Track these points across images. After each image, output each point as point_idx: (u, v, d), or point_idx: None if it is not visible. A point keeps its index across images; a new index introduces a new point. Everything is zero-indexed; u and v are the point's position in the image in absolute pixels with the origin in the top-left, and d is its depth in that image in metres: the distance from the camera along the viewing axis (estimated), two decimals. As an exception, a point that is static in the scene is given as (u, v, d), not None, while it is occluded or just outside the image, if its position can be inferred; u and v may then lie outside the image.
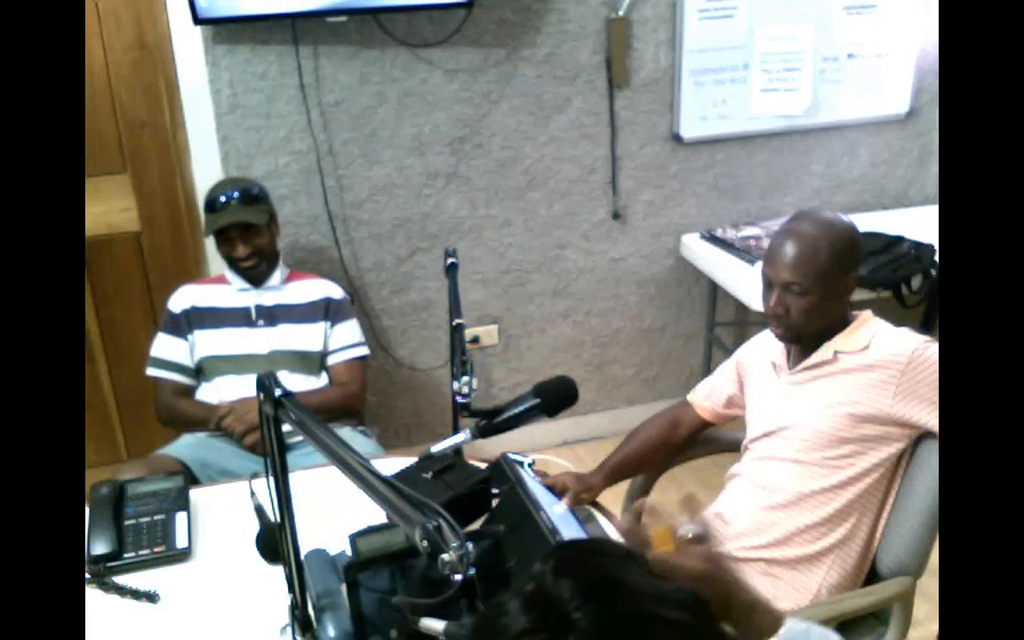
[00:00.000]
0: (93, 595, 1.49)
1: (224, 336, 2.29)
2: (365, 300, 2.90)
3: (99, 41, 2.51)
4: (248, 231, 2.28)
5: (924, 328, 2.66)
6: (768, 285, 1.67)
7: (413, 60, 2.69)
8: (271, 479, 1.15)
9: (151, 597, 1.48)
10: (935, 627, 2.12)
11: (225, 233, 2.28)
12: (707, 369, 3.17)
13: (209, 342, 2.28)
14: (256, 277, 2.33)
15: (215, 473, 2.15)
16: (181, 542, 1.60)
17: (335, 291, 2.40)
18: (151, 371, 2.31)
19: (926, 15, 3.03)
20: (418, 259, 2.91)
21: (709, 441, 1.98)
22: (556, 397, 1.46)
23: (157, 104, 2.62)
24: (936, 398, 1.54)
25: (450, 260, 1.87)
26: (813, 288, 1.60)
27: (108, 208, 2.67)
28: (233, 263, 2.31)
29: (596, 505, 1.74)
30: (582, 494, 1.72)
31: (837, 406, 1.62)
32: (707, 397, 1.93)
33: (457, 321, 1.66)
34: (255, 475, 1.53)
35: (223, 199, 2.28)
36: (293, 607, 1.25)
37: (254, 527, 1.50)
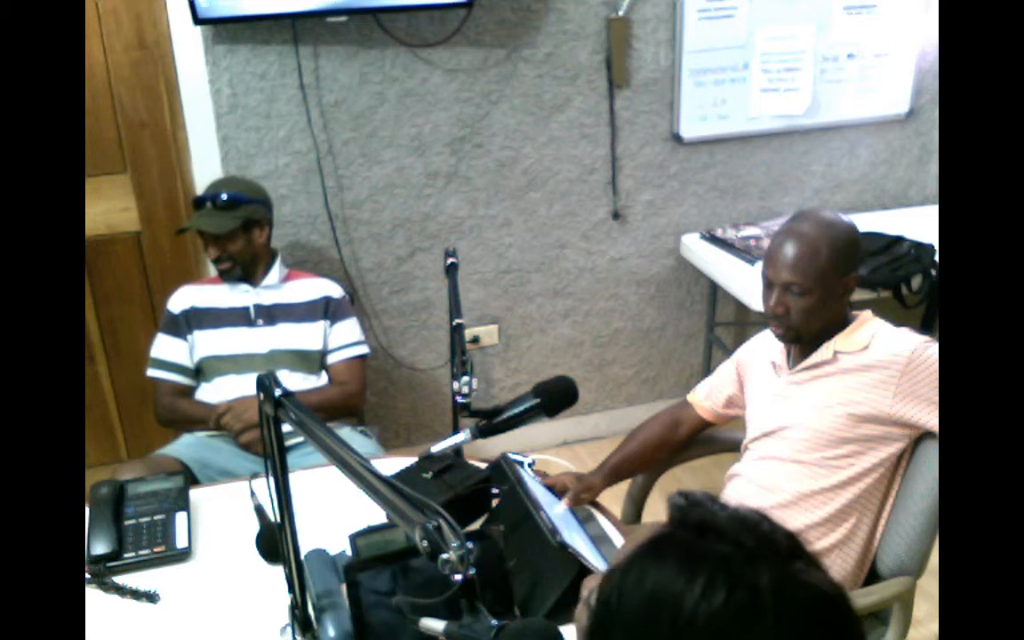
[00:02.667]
0: (93, 595, 1.49)
1: (223, 336, 2.29)
2: (365, 300, 2.90)
3: (99, 41, 2.51)
4: (218, 236, 2.28)
5: (924, 328, 2.66)
6: (768, 285, 1.67)
7: (413, 60, 2.69)
8: (271, 479, 1.15)
9: (151, 597, 1.48)
10: (935, 627, 2.12)
11: (200, 232, 2.30)
12: (707, 369, 3.17)
13: (209, 342, 2.28)
14: (239, 279, 2.33)
15: (215, 473, 2.15)
16: (181, 542, 1.60)
17: (334, 290, 2.40)
18: (151, 372, 2.31)
19: (926, 15, 3.03)
20: (418, 259, 2.91)
21: (709, 441, 1.98)
22: (556, 397, 1.46)
23: (157, 104, 2.62)
24: (936, 398, 1.54)
25: (450, 260, 1.87)
26: (813, 288, 1.60)
27: (108, 208, 2.67)
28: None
29: (596, 505, 1.74)
30: (582, 494, 1.72)
31: (837, 406, 1.62)
32: (707, 397, 1.93)
33: (457, 321, 1.66)
34: (255, 475, 1.53)
35: (202, 200, 2.30)
36: (293, 607, 1.25)
37: (254, 527, 1.50)
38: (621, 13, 2.80)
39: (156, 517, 1.65)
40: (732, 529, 0.68)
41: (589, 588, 0.74)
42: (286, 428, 1.13)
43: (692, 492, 0.73)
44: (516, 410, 1.43)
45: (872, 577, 1.69)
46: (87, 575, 1.52)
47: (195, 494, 1.76)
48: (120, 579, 1.52)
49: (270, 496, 1.17)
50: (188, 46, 2.53)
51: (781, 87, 3.00)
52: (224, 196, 2.30)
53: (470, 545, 0.85)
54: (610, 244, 3.07)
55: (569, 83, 2.84)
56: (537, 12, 2.74)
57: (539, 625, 0.92)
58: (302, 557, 1.25)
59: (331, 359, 2.35)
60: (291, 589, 1.24)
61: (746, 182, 3.12)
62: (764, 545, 0.67)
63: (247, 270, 2.33)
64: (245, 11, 2.44)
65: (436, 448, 1.40)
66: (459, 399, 1.56)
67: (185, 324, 2.30)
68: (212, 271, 2.70)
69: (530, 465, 1.70)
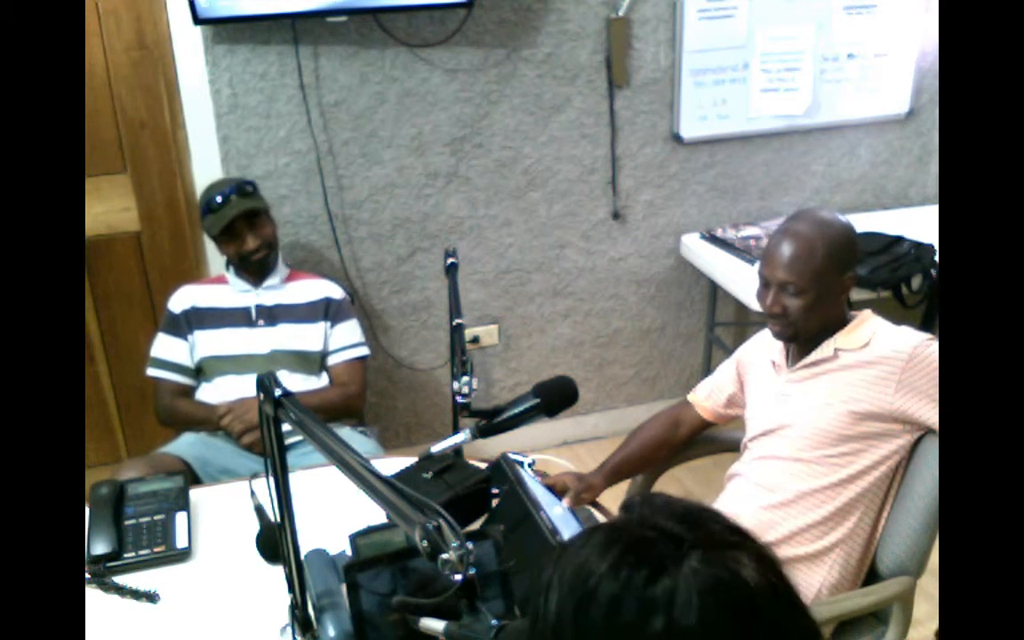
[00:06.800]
0: (93, 595, 1.49)
1: (224, 336, 2.29)
2: (365, 300, 2.90)
3: (99, 41, 2.51)
4: (255, 221, 2.28)
5: (924, 328, 2.66)
6: (765, 285, 1.67)
7: (413, 60, 2.69)
8: (271, 479, 1.15)
9: (151, 597, 1.49)
10: (935, 627, 2.12)
11: (232, 230, 2.28)
12: (707, 369, 3.17)
13: (209, 342, 2.28)
14: (265, 269, 2.33)
15: (216, 471, 2.15)
16: (181, 542, 1.60)
17: (335, 291, 2.40)
18: (151, 371, 2.31)
19: (926, 15, 3.03)
20: (418, 259, 2.91)
21: (709, 441, 1.98)
22: (556, 397, 1.46)
23: (157, 104, 2.62)
24: (937, 394, 1.54)
25: (450, 260, 1.88)
26: (809, 288, 1.61)
27: (108, 208, 2.67)
28: (243, 259, 2.30)
29: (596, 505, 1.74)
30: (583, 494, 1.72)
31: (838, 403, 1.62)
32: (708, 397, 1.93)
33: (457, 321, 1.66)
34: (255, 475, 1.53)
35: (220, 198, 2.28)
36: (293, 607, 1.25)
37: (254, 527, 1.50)
38: (621, 13, 2.80)
39: (156, 517, 1.65)
40: (664, 518, 0.70)
41: None
42: (286, 427, 1.13)
43: (656, 493, 0.75)
44: (516, 410, 1.43)
45: (872, 577, 1.69)
46: (87, 575, 1.52)
47: (195, 494, 1.76)
48: (120, 579, 1.52)
49: (270, 496, 1.17)
50: (188, 46, 2.53)
51: (781, 87, 3.00)
52: (248, 186, 2.34)
53: (470, 545, 0.85)
54: (610, 244, 3.07)
55: (569, 83, 2.84)
56: (537, 12, 2.74)
57: (539, 625, 0.92)
58: (302, 557, 1.25)
59: (331, 360, 2.35)
60: (291, 589, 1.24)
61: (746, 182, 3.12)
62: (692, 531, 0.68)
63: (275, 259, 2.35)
64: (245, 11, 2.44)
65: (436, 448, 1.40)
66: (459, 399, 1.56)
67: (186, 324, 2.30)
68: (213, 271, 2.71)
69: (530, 465, 1.70)
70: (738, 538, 0.70)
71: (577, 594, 0.68)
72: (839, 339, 1.66)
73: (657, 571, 0.66)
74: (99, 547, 1.55)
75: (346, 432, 2.27)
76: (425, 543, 0.86)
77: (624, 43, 2.83)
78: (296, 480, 1.20)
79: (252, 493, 1.54)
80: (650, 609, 0.65)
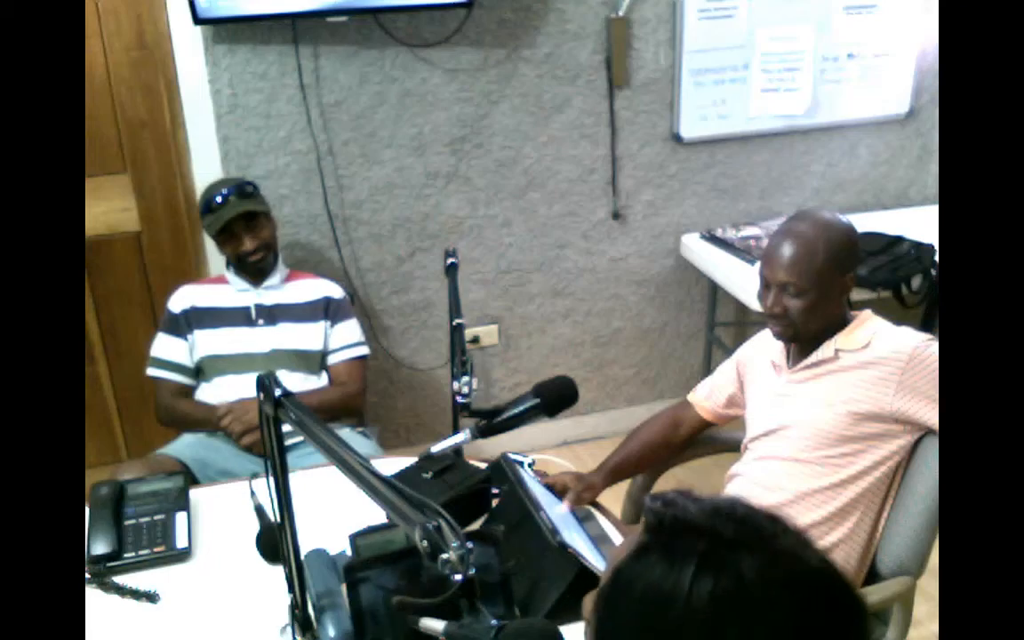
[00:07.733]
0: (93, 595, 1.49)
1: (224, 335, 2.28)
2: (365, 300, 2.90)
3: (99, 41, 2.51)
4: (253, 222, 2.28)
5: (924, 328, 2.66)
6: (765, 285, 1.67)
7: (413, 60, 2.69)
8: (271, 479, 1.16)
9: (151, 597, 1.49)
10: (935, 627, 2.12)
11: (229, 230, 2.28)
12: (707, 369, 3.17)
13: (209, 341, 2.28)
14: (263, 270, 2.33)
15: (215, 473, 2.15)
16: (181, 542, 1.60)
17: (335, 290, 2.40)
18: (151, 371, 2.30)
19: (926, 15, 3.03)
20: (418, 259, 2.91)
21: (709, 441, 1.98)
22: (556, 397, 1.46)
23: (157, 104, 2.62)
24: (936, 395, 1.54)
25: (450, 260, 1.88)
26: (809, 289, 1.61)
27: (108, 208, 2.67)
28: (240, 260, 2.30)
29: (596, 505, 1.74)
30: (583, 494, 1.72)
31: (838, 404, 1.62)
32: (707, 397, 1.93)
33: (457, 321, 1.66)
34: (255, 475, 1.53)
35: (220, 198, 2.28)
36: (293, 607, 1.25)
37: (254, 527, 1.50)
38: (621, 13, 2.79)
39: (156, 517, 1.65)
40: (708, 521, 0.69)
41: (588, 609, 0.75)
42: (286, 428, 1.13)
43: (665, 493, 0.74)
44: (516, 410, 1.43)
45: (872, 577, 1.69)
46: (87, 575, 1.52)
47: (195, 494, 1.76)
48: (120, 579, 1.52)
49: (270, 496, 1.17)
50: (188, 46, 2.53)
51: (781, 87, 3.00)
52: (249, 187, 2.34)
53: (470, 545, 0.85)
54: (610, 244, 3.07)
55: (569, 83, 2.84)
56: (537, 12, 2.74)
57: (539, 625, 0.92)
58: (302, 557, 1.25)
59: (331, 360, 2.35)
60: (291, 589, 1.24)
61: (746, 182, 3.12)
62: (744, 530, 0.68)
63: (274, 260, 2.34)
64: (245, 11, 2.44)
65: (436, 448, 1.40)
66: (459, 399, 1.56)
67: (185, 324, 2.30)
68: (213, 271, 2.71)
69: (530, 465, 1.70)
70: (779, 524, 0.70)
71: (661, 625, 0.66)
72: (839, 340, 1.66)
73: (738, 579, 0.64)
74: (99, 547, 1.55)
75: (346, 433, 2.27)
76: (425, 543, 0.86)
77: (624, 43, 2.83)
78: (296, 480, 1.20)
79: (252, 493, 1.54)
80: (750, 614, 0.64)
